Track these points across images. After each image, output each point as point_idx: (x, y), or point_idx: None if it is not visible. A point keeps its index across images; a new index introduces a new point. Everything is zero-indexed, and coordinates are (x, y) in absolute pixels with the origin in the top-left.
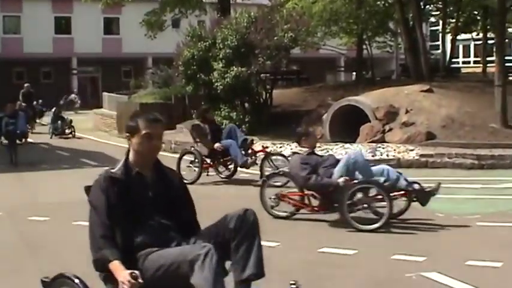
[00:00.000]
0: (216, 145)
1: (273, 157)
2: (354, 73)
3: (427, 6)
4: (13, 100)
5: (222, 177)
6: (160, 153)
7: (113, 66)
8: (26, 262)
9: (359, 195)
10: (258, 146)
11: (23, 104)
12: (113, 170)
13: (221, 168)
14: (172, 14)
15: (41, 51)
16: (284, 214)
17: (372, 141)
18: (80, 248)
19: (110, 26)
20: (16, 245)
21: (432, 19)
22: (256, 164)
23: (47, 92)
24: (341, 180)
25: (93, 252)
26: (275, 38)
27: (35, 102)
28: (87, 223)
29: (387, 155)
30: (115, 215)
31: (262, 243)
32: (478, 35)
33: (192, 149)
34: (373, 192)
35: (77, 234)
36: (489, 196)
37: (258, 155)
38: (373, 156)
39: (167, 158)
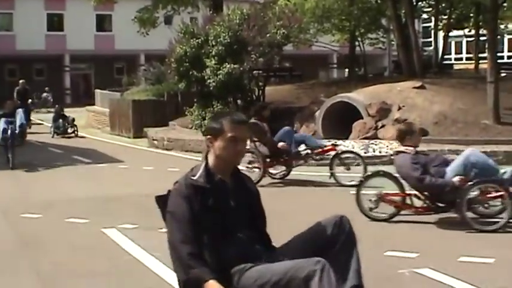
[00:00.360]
0: (280, 144)
1: (343, 155)
2: (347, 70)
3: (420, 3)
4: (10, 98)
5: (275, 178)
6: (154, 150)
7: (106, 63)
8: (19, 259)
9: (476, 194)
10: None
11: (18, 101)
12: (193, 177)
13: (274, 169)
14: (165, 11)
15: (34, 48)
16: (384, 216)
17: (365, 138)
18: (73, 246)
19: (103, 23)
20: (9, 242)
21: (424, 16)
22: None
23: (39, 89)
24: (456, 179)
25: (180, 272)
26: (268, 35)
27: (30, 101)
28: (79, 220)
29: (380, 152)
30: (201, 227)
31: None
32: (470, 31)
33: (252, 148)
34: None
35: (70, 232)
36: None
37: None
38: (365, 152)
39: (161, 155)
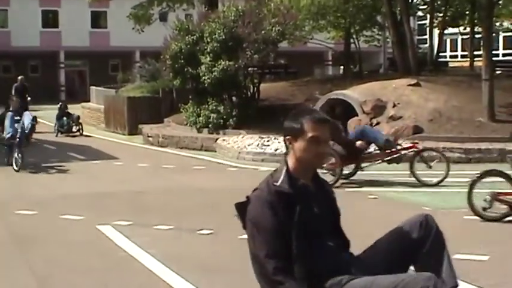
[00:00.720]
0: (359, 143)
1: (424, 153)
2: (342, 67)
3: (415, 0)
4: (8, 94)
5: (341, 178)
6: (149, 147)
7: (101, 60)
8: (13, 256)
9: None
10: (407, 142)
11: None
12: (276, 182)
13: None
14: (160, 8)
15: (29, 44)
16: (495, 216)
17: None
18: (67, 242)
19: (98, 20)
20: (3, 239)
21: (420, 13)
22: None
23: (34, 86)
24: None
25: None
26: (263, 31)
27: (29, 98)
28: (74, 217)
29: (374, 149)
30: (288, 238)
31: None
32: (465, 29)
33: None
34: None
35: (64, 228)
36: (476, 190)
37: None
38: None
39: (156, 152)
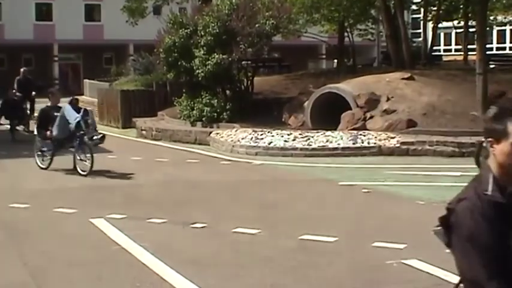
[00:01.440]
0: None
1: None
2: (336, 61)
3: None
4: (9, 88)
5: None
6: (143, 140)
7: (94, 53)
8: (7, 249)
9: None
10: None
11: (18, 93)
12: (487, 191)
13: None
14: (154, 1)
15: (22, 37)
16: None
17: (353, 129)
18: (61, 235)
19: (91, 13)
20: None
21: (414, 7)
22: None
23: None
24: None
25: None
26: (257, 25)
27: (33, 93)
28: (67, 210)
29: (368, 143)
30: (506, 255)
31: (243, 230)
32: (459, 23)
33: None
34: None
35: (58, 222)
36: None
37: None
38: (354, 143)
39: (149, 145)
